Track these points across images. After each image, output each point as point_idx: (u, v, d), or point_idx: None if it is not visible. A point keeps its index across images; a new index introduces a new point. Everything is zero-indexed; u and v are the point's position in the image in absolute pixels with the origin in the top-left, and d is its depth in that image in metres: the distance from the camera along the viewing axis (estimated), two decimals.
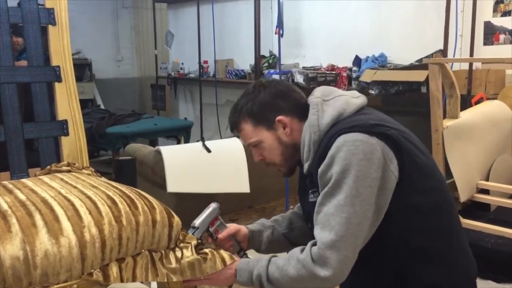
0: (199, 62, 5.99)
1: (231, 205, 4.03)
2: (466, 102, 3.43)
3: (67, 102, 1.48)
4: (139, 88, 8.02)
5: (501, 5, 3.62)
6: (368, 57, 4.46)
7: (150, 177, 3.85)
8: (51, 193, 1.20)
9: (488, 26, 3.70)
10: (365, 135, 1.12)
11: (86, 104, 7.07)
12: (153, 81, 7.03)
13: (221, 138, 5.54)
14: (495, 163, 2.41)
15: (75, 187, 1.25)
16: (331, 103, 1.23)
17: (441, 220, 1.20)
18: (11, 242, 1.00)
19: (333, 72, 4.56)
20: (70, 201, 1.15)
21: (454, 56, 3.62)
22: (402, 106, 4.33)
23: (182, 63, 6.61)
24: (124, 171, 2.92)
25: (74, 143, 1.49)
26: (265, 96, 1.28)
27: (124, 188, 1.29)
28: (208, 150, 3.69)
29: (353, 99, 1.26)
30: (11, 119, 1.38)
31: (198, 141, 3.85)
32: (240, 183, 3.69)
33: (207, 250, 1.26)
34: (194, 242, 1.26)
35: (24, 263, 0.99)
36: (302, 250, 1.15)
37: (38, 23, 1.44)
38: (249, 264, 1.22)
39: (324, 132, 1.19)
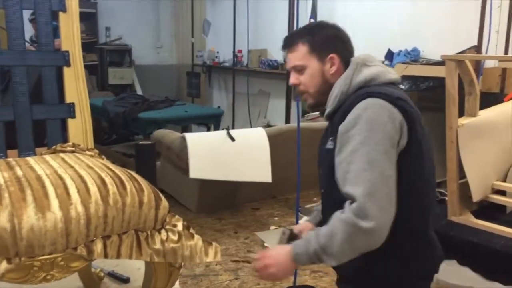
0: (233, 51, 6.04)
1: (254, 194, 4.08)
2: (499, 101, 3.33)
3: (74, 86, 1.55)
4: (177, 75, 8.16)
5: None
6: (400, 51, 4.37)
7: (176, 162, 3.95)
8: (48, 171, 1.27)
9: None
10: (389, 104, 1.23)
11: (125, 89, 7.29)
12: (189, 69, 7.14)
13: (251, 127, 5.59)
14: None
15: (72, 166, 1.32)
16: (369, 67, 1.35)
17: (423, 209, 1.35)
18: (0, 215, 1.08)
19: None
20: (63, 180, 1.22)
21: (487, 53, 3.50)
22: (434, 102, 4.23)
23: (218, 52, 6.68)
24: (143, 155, 3.02)
25: (80, 125, 1.57)
26: (329, 32, 1.39)
27: (118, 170, 1.34)
28: (232, 139, 3.74)
29: (389, 73, 1.37)
30: (20, 101, 1.47)
31: (223, 129, 3.91)
32: (262, 173, 3.73)
33: (193, 233, 1.30)
34: (180, 223, 1.30)
35: (11, 234, 1.07)
36: (343, 211, 1.19)
37: (50, 9, 1.51)
38: (301, 246, 1.24)
39: (354, 88, 1.31)
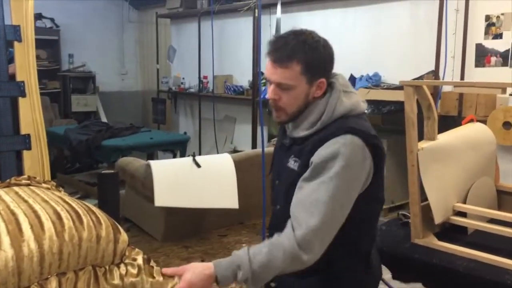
0: (199, 77, 6.05)
1: (221, 221, 4.03)
2: (457, 124, 3.43)
3: (30, 116, 1.51)
4: (142, 101, 8.10)
5: (493, 28, 3.63)
6: (362, 76, 4.48)
7: (141, 191, 3.87)
8: (0, 206, 1.22)
9: (480, 48, 3.71)
10: (365, 145, 1.28)
11: (89, 116, 7.17)
12: (154, 95, 7.10)
13: (217, 153, 5.57)
14: (474, 186, 2.39)
15: (25, 201, 1.27)
16: (348, 96, 1.35)
17: (374, 227, 1.44)
18: None
19: None
20: (15, 215, 1.17)
21: (444, 78, 3.62)
22: (396, 125, 4.33)
23: (183, 78, 6.68)
24: (106, 184, 2.95)
25: (36, 157, 1.52)
26: (325, 55, 1.33)
27: (75, 203, 1.30)
28: (198, 165, 3.70)
29: (362, 102, 1.39)
30: None
31: (189, 155, 3.88)
32: (229, 199, 3.69)
33: (155, 270, 1.26)
34: (140, 257, 1.26)
35: None
36: (287, 237, 1.21)
37: (4, 39, 1.48)
38: (228, 270, 1.20)
39: (335, 118, 1.31)
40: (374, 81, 4.35)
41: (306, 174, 1.26)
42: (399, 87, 4.08)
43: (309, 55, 1.29)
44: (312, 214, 1.19)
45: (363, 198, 1.30)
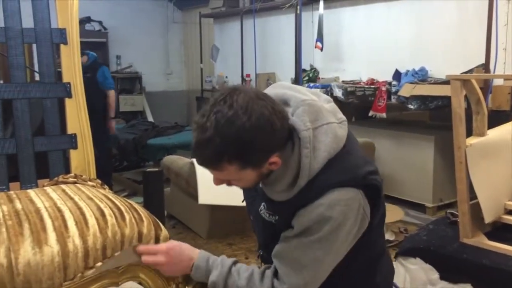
0: (242, 76, 6.08)
1: None
2: (509, 119, 3.28)
3: (76, 116, 1.56)
4: (187, 100, 8.23)
5: None
6: (408, 71, 4.36)
7: (185, 188, 3.94)
8: (47, 203, 1.26)
9: None
10: (355, 191, 1.10)
11: (135, 116, 7.37)
12: (198, 94, 7.20)
13: None
14: None
15: (71, 198, 1.32)
16: (322, 137, 1.10)
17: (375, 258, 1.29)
18: None
19: (372, 86, 4.49)
20: (61, 212, 1.21)
21: (495, 71, 3.47)
22: (445, 120, 4.20)
23: (226, 77, 6.73)
24: (151, 182, 3.02)
25: (82, 155, 1.57)
26: (262, 139, 1.04)
27: (118, 200, 1.33)
28: None
29: (340, 129, 1.14)
30: (22, 133, 1.48)
31: None
32: None
33: None
34: None
35: (7, 270, 1.06)
36: (262, 278, 1.15)
37: (51, 42, 1.53)
38: (208, 264, 1.20)
39: (312, 176, 1.09)
40: (421, 76, 4.22)
41: (288, 233, 1.14)
42: (447, 82, 3.95)
43: (242, 149, 1.03)
44: (292, 273, 1.12)
45: (364, 239, 1.18)
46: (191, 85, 8.13)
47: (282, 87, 1.20)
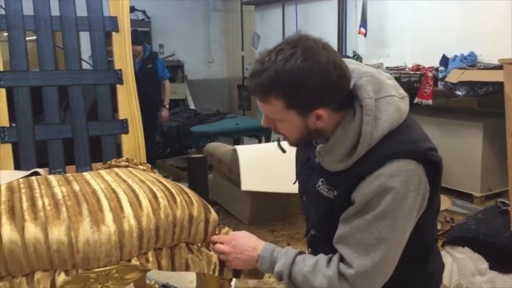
0: None
1: None
2: None
3: (127, 102, 1.61)
4: (228, 88, 8.28)
5: None
6: (456, 56, 4.23)
7: (228, 175, 3.98)
8: (102, 185, 1.31)
9: None
10: (416, 164, 1.07)
11: (178, 103, 7.47)
12: (239, 82, 7.22)
13: None
14: None
15: (125, 181, 1.36)
16: (383, 108, 1.09)
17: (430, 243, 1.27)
18: (58, 228, 1.12)
19: (418, 73, 4.38)
20: (116, 194, 1.26)
21: None
22: (494, 107, 4.06)
23: None
24: (195, 168, 3.07)
25: (133, 140, 1.62)
26: (313, 83, 1.04)
27: (169, 184, 1.37)
28: (283, 151, 3.71)
29: (401, 103, 1.13)
30: (77, 118, 1.54)
31: (274, 141, 3.91)
32: None
33: None
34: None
35: (68, 247, 1.11)
36: (329, 263, 1.14)
37: (103, 30, 1.58)
38: (273, 254, 1.21)
39: (372, 145, 1.07)
40: (470, 61, 4.08)
41: (349, 211, 1.11)
42: (498, 67, 3.81)
43: (290, 88, 1.05)
44: (359, 255, 1.08)
45: (421, 223, 1.15)
46: (232, 73, 8.16)
47: (345, 60, 1.19)
